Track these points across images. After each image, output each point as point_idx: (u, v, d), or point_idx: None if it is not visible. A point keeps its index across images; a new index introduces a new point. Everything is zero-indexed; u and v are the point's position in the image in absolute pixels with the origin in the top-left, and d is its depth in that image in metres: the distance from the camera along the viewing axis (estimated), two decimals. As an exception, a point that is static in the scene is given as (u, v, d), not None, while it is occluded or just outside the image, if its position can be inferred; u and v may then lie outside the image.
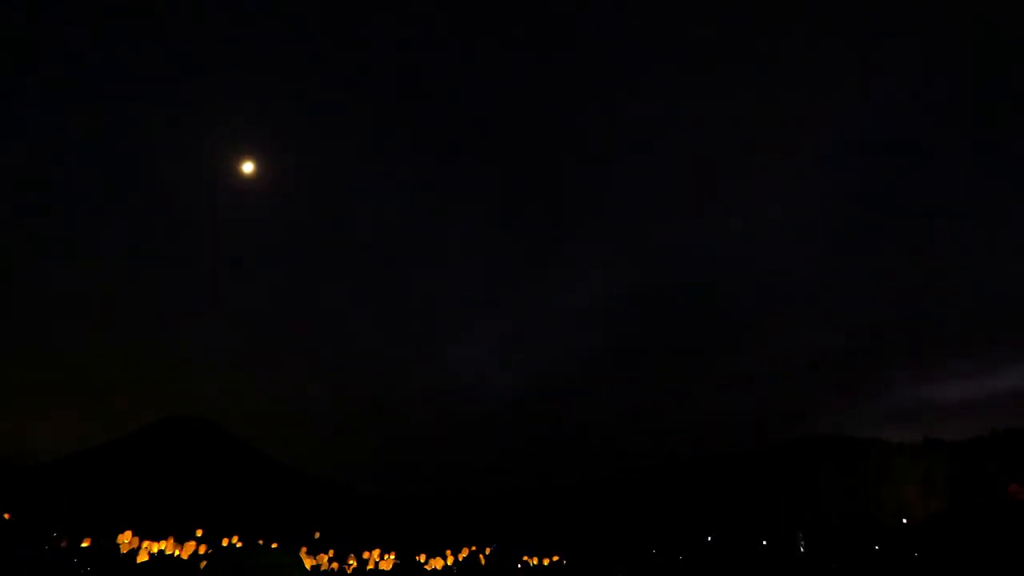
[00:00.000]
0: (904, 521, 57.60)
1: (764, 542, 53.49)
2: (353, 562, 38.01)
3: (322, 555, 37.84)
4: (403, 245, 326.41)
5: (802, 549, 48.43)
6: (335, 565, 37.93)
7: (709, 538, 59.93)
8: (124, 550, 26.40)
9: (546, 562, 33.82)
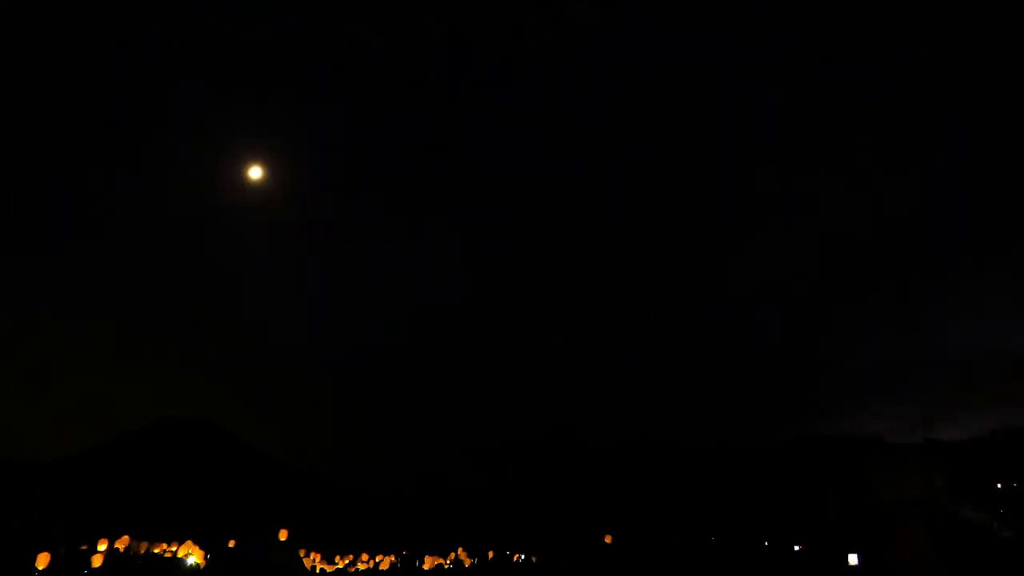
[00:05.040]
0: (903, 521, 57.43)
1: (765, 543, 53.41)
2: (356, 563, 38.06)
3: (319, 553, 37.93)
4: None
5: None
6: (340, 563, 37.98)
7: (708, 538, 59.80)
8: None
9: (536, 560, 34.07)
